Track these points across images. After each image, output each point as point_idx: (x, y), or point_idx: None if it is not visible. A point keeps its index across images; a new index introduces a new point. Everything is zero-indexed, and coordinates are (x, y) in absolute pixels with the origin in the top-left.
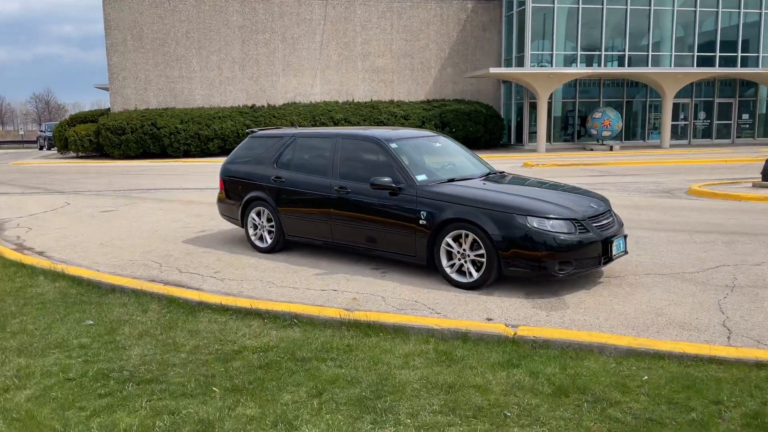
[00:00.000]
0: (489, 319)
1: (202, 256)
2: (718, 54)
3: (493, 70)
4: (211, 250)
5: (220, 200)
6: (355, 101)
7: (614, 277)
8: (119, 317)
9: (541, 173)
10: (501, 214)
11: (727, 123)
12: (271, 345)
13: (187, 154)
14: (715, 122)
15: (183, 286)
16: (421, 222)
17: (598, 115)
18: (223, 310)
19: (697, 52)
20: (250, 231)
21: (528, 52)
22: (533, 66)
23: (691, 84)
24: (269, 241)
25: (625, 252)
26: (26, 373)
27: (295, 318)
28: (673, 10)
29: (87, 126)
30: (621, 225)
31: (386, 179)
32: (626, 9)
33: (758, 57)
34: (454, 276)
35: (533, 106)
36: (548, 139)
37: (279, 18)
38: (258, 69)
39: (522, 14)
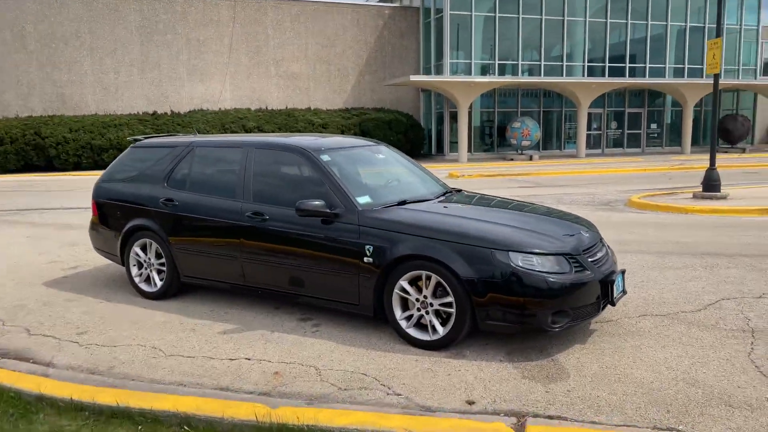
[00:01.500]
0: (471, 402)
1: (66, 307)
2: (627, 65)
3: (414, 78)
4: (81, 297)
5: (93, 228)
6: (269, 108)
7: (606, 321)
8: None
9: (468, 185)
10: (474, 250)
11: (637, 132)
12: None
13: (77, 167)
14: (627, 132)
15: (26, 359)
16: (366, 259)
17: (517, 124)
18: (74, 409)
19: (608, 62)
20: (133, 270)
21: (447, 60)
22: (453, 75)
23: (603, 94)
24: (159, 283)
25: (624, 292)
26: None
27: (186, 424)
28: (585, 21)
29: None
30: (614, 258)
31: (317, 203)
32: (541, 19)
33: (664, 68)
34: (412, 332)
35: (453, 116)
36: (469, 149)
37: (182, 18)
38: (160, 73)
39: (440, 22)
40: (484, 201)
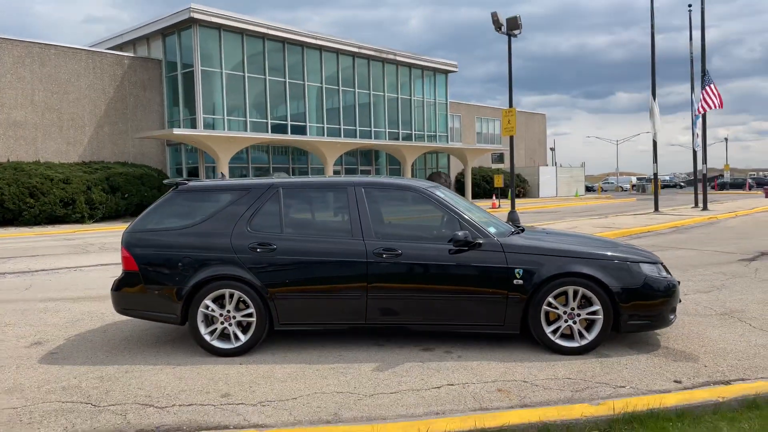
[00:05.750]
0: (678, 381)
1: (144, 377)
2: (357, 128)
3: (177, 132)
4: (133, 367)
5: (128, 291)
6: None
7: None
8: None
9: None
10: (614, 264)
11: None
12: None
13: None
14: None
15: (211, 428)
16: (516, 282)
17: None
18: None
19: (343, 125)
20: (202, 328)
21: (200, 115)
22: (207, 129)
23: (341, 154)
24: (243, 338)
25: None
26: None
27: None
28: (321, 87)
29: None
30: None
31: (465, 233)
32: (285, 81)
33: (385, 132)
34: (560, 341)
35: (208, 171)
36: None
37: None
38: None
39: (189, 77)
40: (554, 232)
